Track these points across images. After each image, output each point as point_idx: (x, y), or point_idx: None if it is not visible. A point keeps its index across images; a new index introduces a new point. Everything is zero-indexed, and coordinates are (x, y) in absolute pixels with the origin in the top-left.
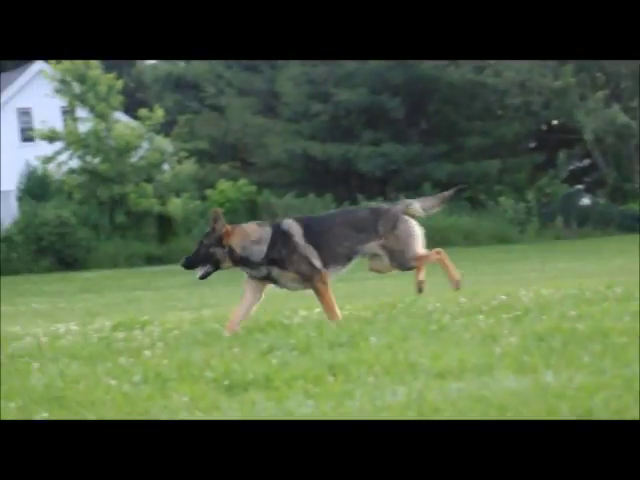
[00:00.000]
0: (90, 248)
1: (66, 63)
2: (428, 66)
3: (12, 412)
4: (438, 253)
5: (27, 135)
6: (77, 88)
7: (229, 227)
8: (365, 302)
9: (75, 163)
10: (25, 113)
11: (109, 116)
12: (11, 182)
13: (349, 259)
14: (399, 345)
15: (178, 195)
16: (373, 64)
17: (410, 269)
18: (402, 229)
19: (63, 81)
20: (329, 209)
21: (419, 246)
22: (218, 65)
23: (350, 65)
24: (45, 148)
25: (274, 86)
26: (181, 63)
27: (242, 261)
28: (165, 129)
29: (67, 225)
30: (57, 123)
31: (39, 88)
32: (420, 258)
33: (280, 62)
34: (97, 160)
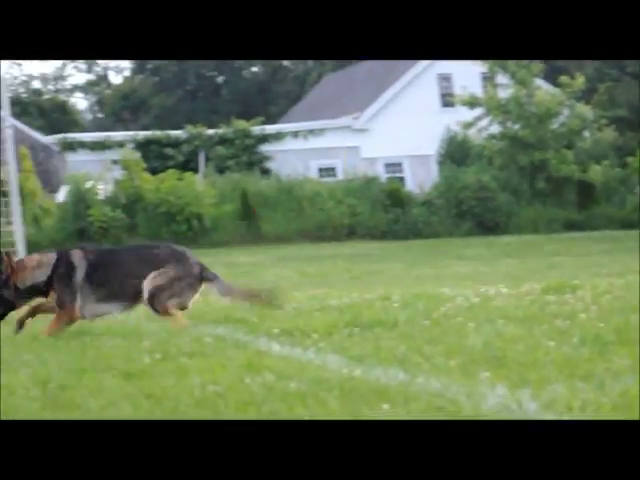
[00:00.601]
0: (510, 213)
1: None
2: None
3: (454, 370)
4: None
5: (447, 101)
6: None
7: (14, 265)
8: None
9: (495, 129)
10: (445, 79)
11: (530, 83)
12: (430, 147)
13: (138, 295)
14: None
15: (598, 162)
16: None
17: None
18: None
19: None
20: None
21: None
22: None
23: None
24: (464, 114)
25: None
26: None
27: (28, 292)
28: (585, 97)
29: (487, 190)
30: (476, 89)
31: None
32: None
33: None
34: (517, 126)
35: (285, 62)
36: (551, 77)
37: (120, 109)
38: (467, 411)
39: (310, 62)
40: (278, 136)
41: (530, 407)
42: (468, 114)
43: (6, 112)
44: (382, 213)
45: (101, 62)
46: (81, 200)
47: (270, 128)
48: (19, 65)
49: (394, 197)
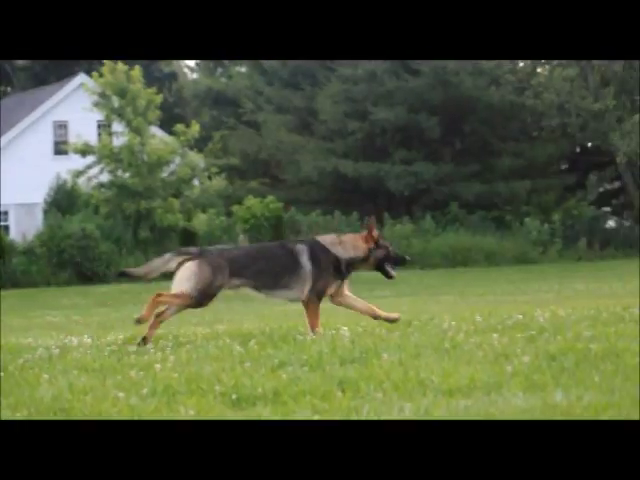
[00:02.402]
0: (111, 262)
1: (108, 76)
2: (469, 86)
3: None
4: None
5: (60, 148)
6: (116, 102)
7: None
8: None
9: (106, 177)
10: (61, 126)
11: (145, 131)
12: (39, 195)
13: None
14: (411, 362)
15: (205, 211)
16: (414, 83)
17: None
18: None
19: (103, 95)
20: (354, 227)
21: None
22: (259, 81)
23: (391, 84)
24: (77, 162)
25: (313, 104)
26: (223, 79)
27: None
28: (200, 145)
29: (90, 238)
30: (93, 137)
31: (78, 102)
32: None
33: (322, 80)
34: (127, 174)
35: None
36: (169, 125)
37: None
38: None
39: None
40: None
41: None
42: (81, 162)
43: None
44: None
45: None
46: None
47: None
48: None
49: None
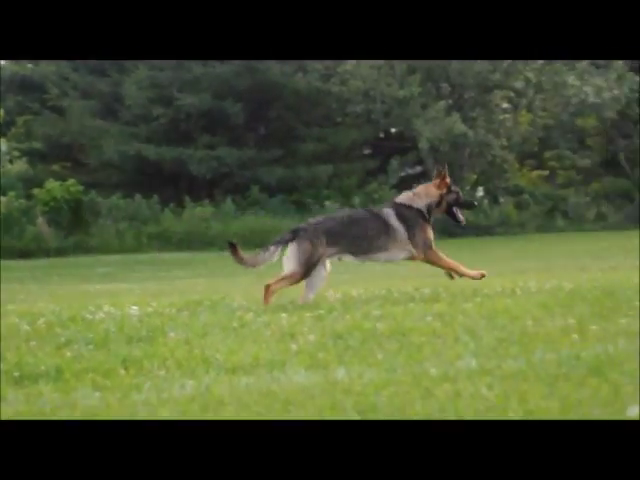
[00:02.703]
0: None
1: None
2: (276, 73)
3: None
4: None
5: None
6: None
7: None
8: (172, 299)
9: None
10: None
11: None
12: None
13: None
14: (197, 340)
15: (5, 194)
16: (221, 69)
17: None
18: None
19: None
20: (154, 210)
21: None
22: (65, 67)
23: (197, 70)
24: None
25: (119, 89)
26: (29, 64)
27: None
28: (4, 129)
29: None
30: None
31: None
32: None
33: (128, 66)
34: None
35: None
36: None
37: None
38: None
39: None
40: None
41: None
42: None
43: None
44: None
45: None
46: None
47: None
48: None
49: None
